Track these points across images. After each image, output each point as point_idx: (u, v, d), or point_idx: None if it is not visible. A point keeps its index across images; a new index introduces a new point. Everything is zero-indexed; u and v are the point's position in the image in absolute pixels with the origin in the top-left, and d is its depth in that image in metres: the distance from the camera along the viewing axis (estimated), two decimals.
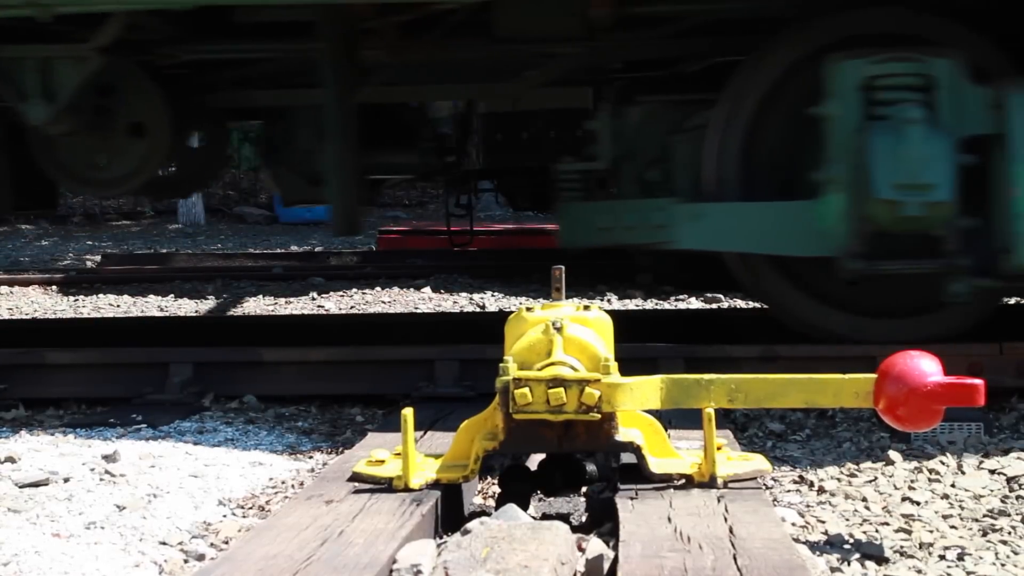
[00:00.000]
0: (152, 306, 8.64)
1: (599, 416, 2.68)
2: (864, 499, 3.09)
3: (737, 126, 4.50)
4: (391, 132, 5.76)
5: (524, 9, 4.72)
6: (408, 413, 2.71)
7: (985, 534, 2.77)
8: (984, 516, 2.91)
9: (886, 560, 2.59)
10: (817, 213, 4.26)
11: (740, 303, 7.78)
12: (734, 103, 4.51)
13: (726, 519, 2.46)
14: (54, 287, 9.77)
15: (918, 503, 3.05)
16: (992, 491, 3.15)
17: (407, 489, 2.71)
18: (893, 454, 3.50)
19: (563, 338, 2.73)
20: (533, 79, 5.21)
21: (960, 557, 2.59)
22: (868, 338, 4.48)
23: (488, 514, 2.78)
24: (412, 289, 8.82)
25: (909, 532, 2.79)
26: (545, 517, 2.94)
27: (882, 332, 4.51)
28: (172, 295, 9.12)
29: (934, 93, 4.16)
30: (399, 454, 2.80)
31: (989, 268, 4.21)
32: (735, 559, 2.20)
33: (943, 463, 3.42)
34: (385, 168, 5.87)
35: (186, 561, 2.66)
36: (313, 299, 8.62)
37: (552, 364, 2.69)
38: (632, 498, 2.65)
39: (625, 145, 4.86)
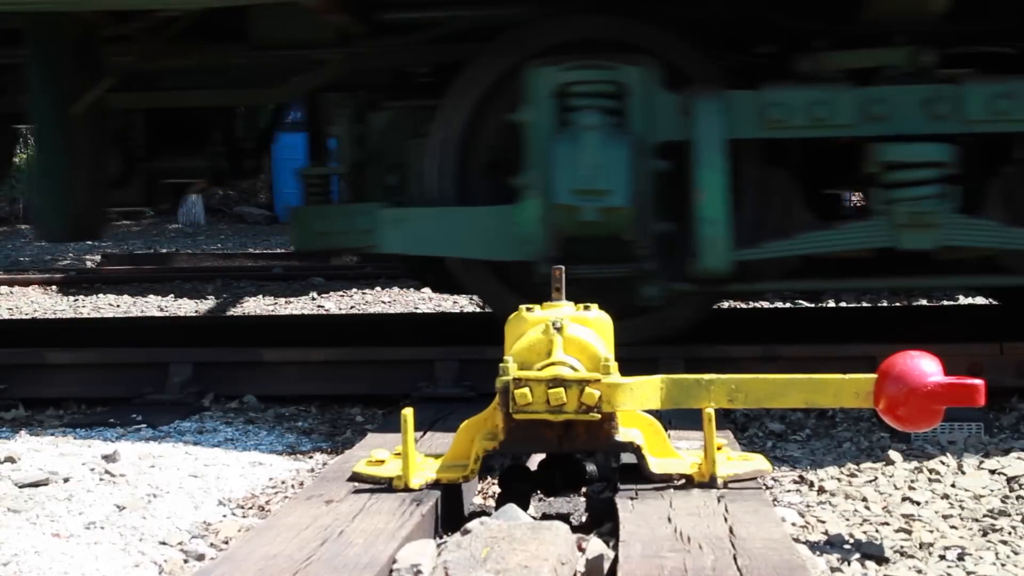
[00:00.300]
0: (152, 306, 8.65)
1: (599, 416, 2.68)
2: (864, 499, 3.09)
3: (453, 132, 4.56)
4: (186, 137, 5.80)
5: (277, 16, 4.78)
6: (408, 413, 2.71)
7: (985, 534, 2.77)
8: (984, 516, 2.91)
9: (886, 560, 2.59)
10: (516, 218, 4.32)
11: (740, 303, 7.78)
12: (451, 109, 4.57)
13: (726, 519, 2.46)
14: (54, 287, 9.77)
15: (918, 503, 3.05)
16: (992, 491, 3.15)
17: (407, 489, 2.71)
18: (893, 454, 3.50)
19: (563, 338, 2.73)
20: (299, 84, 5.24)
21: (960, 557, 2.59)
22: None
23: (488, 514, 2.78)
24: (412, 289, 8.82)
25: (909, 532, 2.79)
26: (545, 517, 2.94)
27: None
28: (172, 295, 9.12)
29: (625, 100, 4.23)
30: (399, 454, 2.80)
31: (684, 272, 4.27)
32: (735, 559, 2.20)
33: (943, 463, 3.41)
34: (174, 172, 5.92)
35: (186, 561, 2.66)
36: (313, 299, 8.62)
37: (552, 364, 2.69)
38: (632, 498, 2.65)
39: (368, 150, 4.91)
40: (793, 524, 2.87)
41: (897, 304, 7.55)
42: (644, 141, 4.21)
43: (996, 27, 4.72)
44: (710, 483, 2.70)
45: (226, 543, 2.79)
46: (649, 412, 2.83)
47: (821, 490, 3.20)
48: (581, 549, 2.46)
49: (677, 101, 4.23)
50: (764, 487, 2.84)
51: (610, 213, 4.15)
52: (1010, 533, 2.76)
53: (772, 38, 4.86)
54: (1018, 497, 3.07)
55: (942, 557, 2.60)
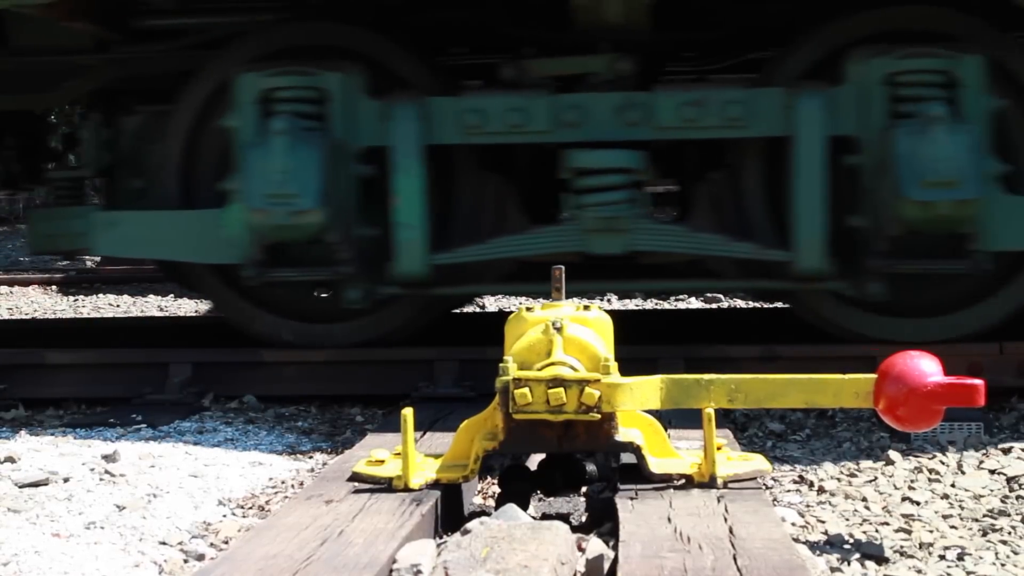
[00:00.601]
0: (152, 306, 8.65)
1: (599, 416, 2.68)
2: (864, 499, 3.09)
3: (179, 137, 4.62)
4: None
5: (30, 22, 4.78)
6: (408, 413, 2.71)
7: (985, 534, 2.77)
8: (984, 516, 2.91)
9: (886, 560, 2.59)
10: (222, 222, 4.38)
11: (740, 303, 7.78)
12: (179, 115, 4.63)
13: (726, 519, 2.46)
14: (54, 287, 9.78)
15: (918, 503, 3.05)
16: (992, 491, 3.15)
17: (407, 489, 2.71)
18: (893, 454, 3.50)
19: (563, 338, 2.73)
20: (71, 89, 5.27)
21: (960, 557, 2.59)
22: (314, 343, 4.61)
23: (488, 514, 2.78)
24: None
25: (909, 532, 2.79)
26: (545, 517, 2.94)
27: (329, 336, 4.63)
28: (172, 295, 9.12)
29: (327, 105, 4.29)
30: (399, 454, 2.80)
31: (388, 276, 4.32)
32: (735, 559, 2.20)
33: (943, 463, 3.42)
34: None
35: (186, 561, 2.66)
36: None
37: (552, 364, 2.69)
38: (632, 498, 2.65)
39: (116, 153, 4.96)
40: (793, 524, 2.87)
41: None
42: (345, 146, 4.27)
43: (711, 36, 4.77)
44: (710, 483, 2.70)
45: (226, 543, 2.79)
46: (649, 412, 2.83)
47: (821, 490, 3.20)
48: (581, 549, 2.46)
49: (378, 107, 4.28)
50: (764, 487, 2.84)
51: (300, 216, 4.21)
52: (1010, 533, 2.76)
53: (494, 45, 4.90)
54: (1018, 497, 3.07)
55: (942, 557, 2.60)
